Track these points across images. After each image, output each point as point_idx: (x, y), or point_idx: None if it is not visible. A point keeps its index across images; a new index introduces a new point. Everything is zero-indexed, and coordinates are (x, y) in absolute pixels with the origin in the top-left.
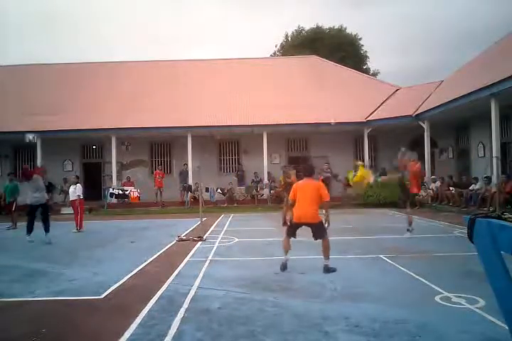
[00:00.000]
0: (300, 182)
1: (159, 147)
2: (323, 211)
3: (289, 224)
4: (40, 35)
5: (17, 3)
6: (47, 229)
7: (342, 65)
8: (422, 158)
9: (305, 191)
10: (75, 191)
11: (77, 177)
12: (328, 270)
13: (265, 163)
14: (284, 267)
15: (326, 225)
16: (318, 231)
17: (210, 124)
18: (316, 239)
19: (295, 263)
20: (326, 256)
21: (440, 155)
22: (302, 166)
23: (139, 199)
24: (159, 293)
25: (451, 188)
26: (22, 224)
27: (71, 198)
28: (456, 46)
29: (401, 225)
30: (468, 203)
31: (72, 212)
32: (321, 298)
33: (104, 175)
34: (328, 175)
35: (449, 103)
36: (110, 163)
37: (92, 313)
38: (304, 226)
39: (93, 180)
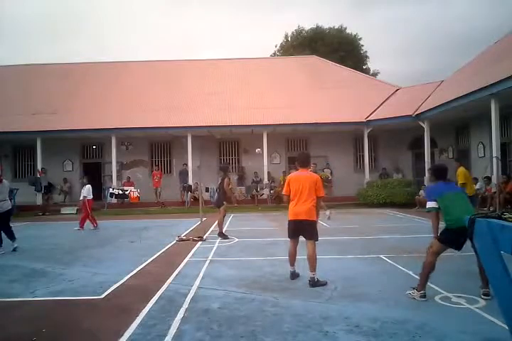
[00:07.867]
0: (294, 173)
1: (159, 147)
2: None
3: None
4: (40, 35)
5: (17, 3)
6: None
7: (342, 65)
8: (421, 158)
9: (301, 184)
10: (83, 192)
11: (85, 178)
12: (315, 284)
13: (265, 163)
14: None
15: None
16: (313, 231)
17: (210, 124)
18: (307, 238)
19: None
20: (313, 268)
21: (440, 155)
22: (298, 155)
23: (139, 199)
24: (159, 293)
25: None
26: (18, 225)
27: (80, 197)
28: (457, 47)
29: (401, 225)
30: None
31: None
32: (321, 298)
33: (104, 175)
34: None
35: (449, 103)
36: (110, 163)
37: (92, 313)
38: None
39: (93, 180)
